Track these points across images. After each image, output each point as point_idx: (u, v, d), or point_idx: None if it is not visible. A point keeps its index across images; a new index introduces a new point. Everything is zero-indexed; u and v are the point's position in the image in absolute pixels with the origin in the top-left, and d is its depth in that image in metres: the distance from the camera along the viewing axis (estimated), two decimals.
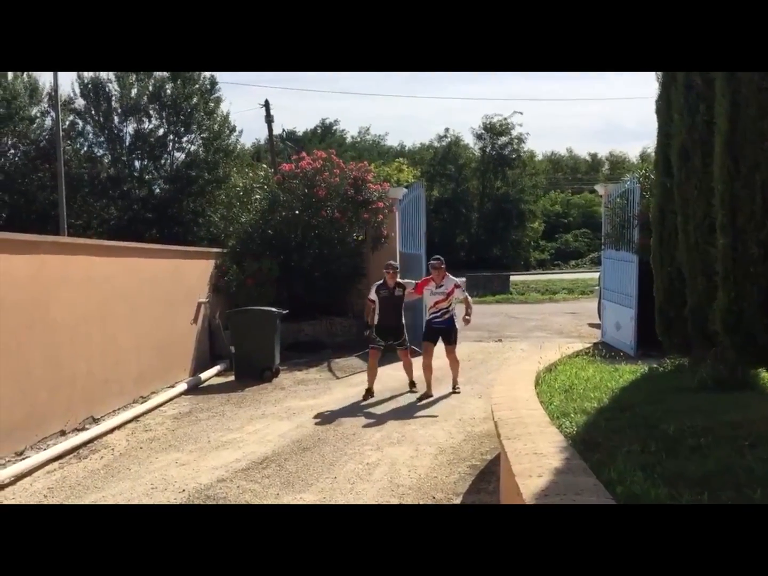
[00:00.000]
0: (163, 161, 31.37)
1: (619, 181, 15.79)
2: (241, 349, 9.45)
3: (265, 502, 4.75)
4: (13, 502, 4.93)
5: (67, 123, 29.91)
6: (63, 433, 6.71)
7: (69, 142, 29.87)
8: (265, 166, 15.01)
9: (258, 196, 12.67)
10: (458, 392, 8.28)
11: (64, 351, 6.88)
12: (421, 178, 32.90)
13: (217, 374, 9.94)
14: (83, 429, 6.90)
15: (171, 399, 8.35)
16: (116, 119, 30.67)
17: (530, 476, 2.78)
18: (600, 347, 9.55)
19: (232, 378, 9.58)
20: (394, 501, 4.73)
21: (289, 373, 9.84)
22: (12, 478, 5.35)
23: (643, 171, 10.62)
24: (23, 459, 5.77)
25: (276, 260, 11.68)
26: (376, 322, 8.25)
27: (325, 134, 51.58)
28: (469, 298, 8.41)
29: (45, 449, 6.11)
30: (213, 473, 5.46)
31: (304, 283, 11.76)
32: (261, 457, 5.85)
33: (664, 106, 6.33)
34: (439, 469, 5.43)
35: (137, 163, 31.46)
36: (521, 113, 62.88)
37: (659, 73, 6.37)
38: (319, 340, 11.91)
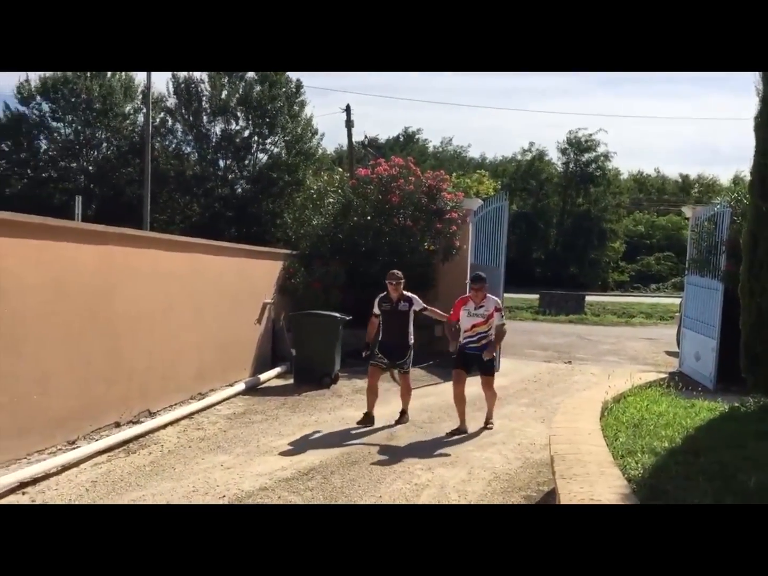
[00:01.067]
0: (246, 161, 31.98)
1: (708, 204, 14.99)
2: (302, 352, 9.35)
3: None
4: (54, 492, 4.89)
5: (158, 120, 30.84)
6: (118, 425, 6.72)
7: (158, 138, 30.81)
8: (341, 170, 14.96)
9: (331, 200, 12.60)
10: (491, 428, 7.23)
11: (124, 343, 6.90)
12: (501, 191, 32.35)
13: (277, 376, 9.86)
14: (138, 422, 6.89)
15: (228, 398, 8.29)
16: (205, 119, 31.44)
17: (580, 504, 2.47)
18: (676, 378, 8.96)
19: (290, 381, 9.47)
20: None
21: (349, 380, 9.67)
22: (59, 468, 5.34)
23: (735, 194, 9.99)
24: (74, 449, 5.78)
25: (344, 265, 11.56)
26: (379, 338, 7.48)
27: (407, 143, 51.57)
28: (506, 325, 7.41)
29: (97, 440, 6.11)
30: (257, 480, 5.31)
31: (371, 290, 11.56)
32: (307, 468, 5.67)
33: (763, 123, 5.84)
34: (491, 497, 5.12)
35: (222, 163, 32.17)
36: (606, 132, 61.09)
37: (759, 87, 5.88)
38: None
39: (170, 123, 31.99)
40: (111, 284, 6.70)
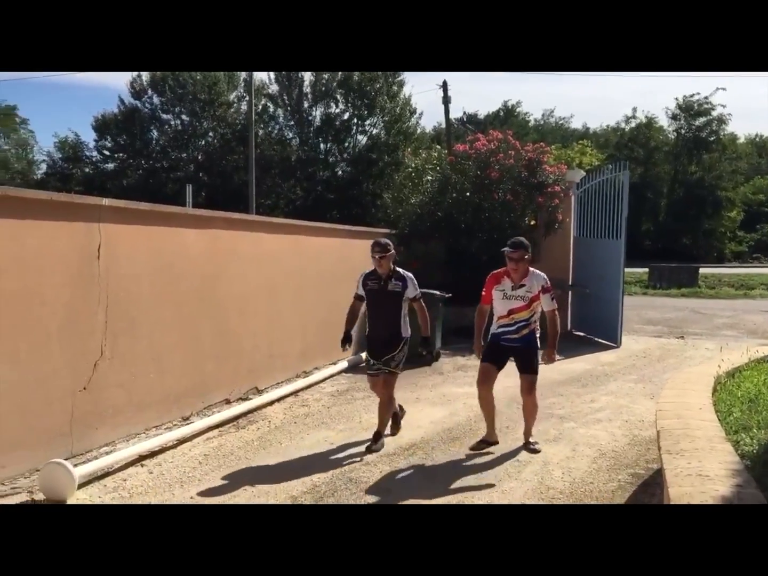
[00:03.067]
0: (346, 144, 32.34)
1: None
2: None
3: (404, 491, 4.60)
4: (170, 465, 5.16)
5: (261, 107, 31.66)
6: (227, 402, 7.01)
7: (262, 125, 31.65)
8: (439, 147, 14.86)
9: (430, 178, 12.55)
10: (535, 450, 5.47)
11: (232, 324, 7.16)
12: (606, 161, 31.15)
13: None
14: (246, 399, 7.16)
15: (331, 376, 8.48)
16: (306, 104, 32.00)
17: (688, 504, 2.36)
18: None
19: None
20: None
21: (450, 357, 9.66)
22: (175, 442, 5.64)
23: None
24: (187, 424, 6.07)
25: (443, 243, 11.52)
26: (366, 332, 5.89)
27: (507, 117, 50.51)
28: (556, 311, 5.50)
29: (209, 416, 6.40)
30: (358, 455, 5.41)
31: (471, 267, 11.47)
32: (409, 443, 5.72)
33: None
34: (596, 475, 4.99)
35: (323, 146, 32.68)
36: (724, 89, 57.16)
37: None
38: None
39: (272, 109, 32.79)
40: (218, 267, 6.97)
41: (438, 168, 12.72)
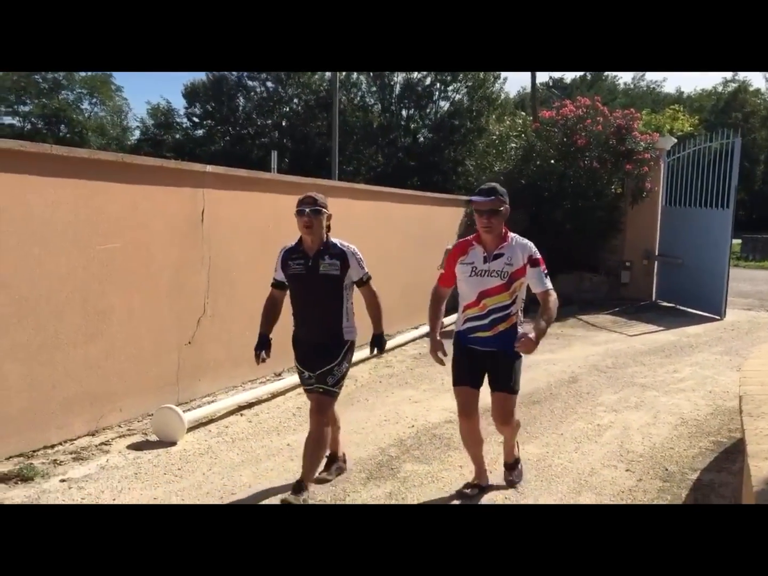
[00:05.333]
0: (428, 110, 32.22)
1: None
2: None
3: (486, 448, 4.80)
4: (266, 415, 5.53)
5: (344, 74, 31.84)
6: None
7: (344, 92, 31.86)
8: (524, 114, 14.72)
9: (514, 145, 12.51)
10: (514, 484, 4.18)
11: None
12: (699, 126, 29.91)
13: None
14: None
15: (413, 340, 8.72)
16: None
17: (767, 459, 2.47)
18: None
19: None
20: (622, 467, 4.51)
21: (530, 325, 9.73)
22: (269, 395, 6.01)
23: None
24: (280, 380, 6.44)
25: (526, 211, 11.51)
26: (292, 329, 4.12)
27: (595, 81, 48.98)
28: (553, 294, 3.76)
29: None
30: (442, 414, 5.64)
31: (554, 235, 11.45)
32: (489, 404, 5.90)
33: None
34: (677, 441, 5.06)
35: (404, 113, 32.65)
36: None
37: None
38: (565, 294, 11.56)
39: (355, 76, 32.88)
40: None
41: (522, 135, 12.65)
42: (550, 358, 7.76)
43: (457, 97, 31.48)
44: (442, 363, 3.83)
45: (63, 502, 3.81)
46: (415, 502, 3.93)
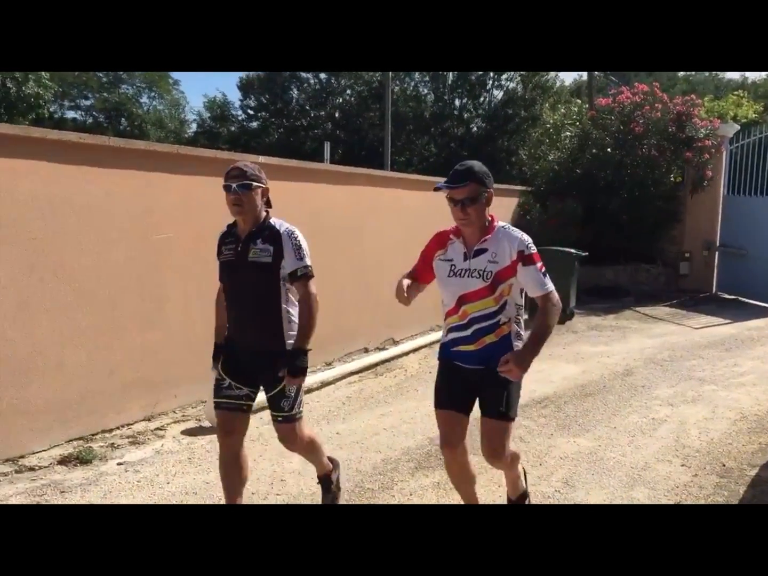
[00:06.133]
0: (481, 99, 31.89)
1: None
2: None
3: (537, 440, 4.75)
4: (317, 404, 5.58)
5: None
6: (366, 350, 7.39)
7: (397, 82, 31.76)
8: (579, 101, 14.42)
9: (569, 133, 12.28)
10: None
11: (371, 276, 7.50)
12: (764, 113, 28.87)
13: None
14: (383, 349, 7.51)
15: None
16: None
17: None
18: None
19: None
20: (677, 462, 4.40)
21: (584, 317, 9.57)
22: (319, 384, 6.07)
23: None
24: (330, 369, 6.49)
25: (581, 201, 11.30)
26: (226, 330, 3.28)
27: None
28: (554, 298, 2.97)
29: (349, 363, 6.80)
30: None
31: (610, 226, 11.22)
32: (541, 397, 5.84)
33: None
34: (735, 436, 4.91)
35: (457, 102, 32.40)
36: None
37: None
38: (621, 286, 11.37)
39: None
40: (359, 220, 7.29)
41: (577, 123, 12.42)
42: (604, 350, 7.62)
43: (511, 85, 31.05)
44: (406, 301, 3.11)
45: (119, 485, 3.92)
46: None
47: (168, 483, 3.96)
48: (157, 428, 4.85)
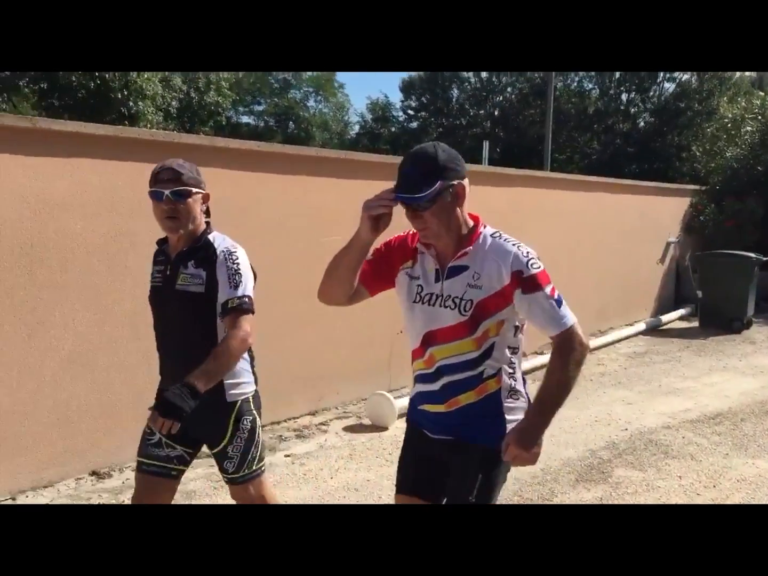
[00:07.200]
0: (651, 93, 30.35)
1: None
2: (709, 295, 8.83)
3: (710, 459, 4.46)
4: None
5: None
6: (524, 355, 7.27)
7: (561, 78, 30.96)
8: (762, 93, 13.31)
9: (749, 128, 11.40)
10: None
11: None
12: None
13: (679, 318, 9.51)
14: (542, 354, 7.36)
15: (627, 337, 8.31)
16: None
17: None
18: None
19: (695, 324, 9.06)
20: None
21: (764, 326, 8.87)
22: None
23: None
24: None
25: (763, 200, 10.45)
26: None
27: None
28: (579, 336, 1.98)
29: None
30: (659, 418, 5.32)
31: None
32: (714, 412, 5.47)
33: None
34: None
35: (624, 96, 31.08)
36: None
37: None
38: None
39: None
40: (520, 223, 7.18)
41: (759, 117, 11.48)
42: None
43: (684, 77, 29.26)
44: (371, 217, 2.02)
45: (287, 476, 4.14)
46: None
47: (331, 478, 4.13)
48: (321, 423, 5.07)
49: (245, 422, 2.48)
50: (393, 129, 35.08)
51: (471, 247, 2.02)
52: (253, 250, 4.70)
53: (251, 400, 2.52)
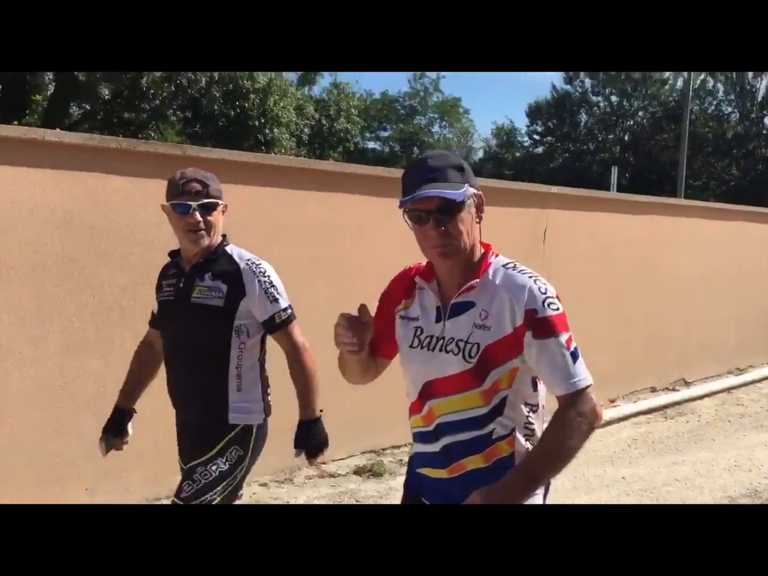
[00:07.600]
0: None
1: None
2: None
3: None
4: (600, 443, 5.35)
5: (698, 83, 29.64)
6: (653, 390, 6.95)
7: (697, 101, 29.66)
8: None
9: None
10: None
11: (663, 310, 7.06)
12: None
13: None
14: (673, 390, 7.00)
15: None
16: (749, 75, 29.06)
17: None
18: None
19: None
20: None
21: None
22: (603, 422, 5.82)
23: None
24: (615, 407, 6.21)
25: None
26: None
27: None
28: (590, 402, 1.59)
29: (635, 402, 6.44)
30: None
31: None
32: None
33: None
34: None
35: (767, 120, 29.37)
36: None
37: None
38: None
39: (711, 84, 30.48)
40: (653, 251, 6.91)
41: None
42: None
43: None
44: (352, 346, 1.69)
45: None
46: None
47: None
48: None
49: (233, 453, 2.29)
50: (518, 154, 34.78)
51: (479, 280, 1.67)
52: (348, 266, 4.71)
53: (254, 431, 2.34)
